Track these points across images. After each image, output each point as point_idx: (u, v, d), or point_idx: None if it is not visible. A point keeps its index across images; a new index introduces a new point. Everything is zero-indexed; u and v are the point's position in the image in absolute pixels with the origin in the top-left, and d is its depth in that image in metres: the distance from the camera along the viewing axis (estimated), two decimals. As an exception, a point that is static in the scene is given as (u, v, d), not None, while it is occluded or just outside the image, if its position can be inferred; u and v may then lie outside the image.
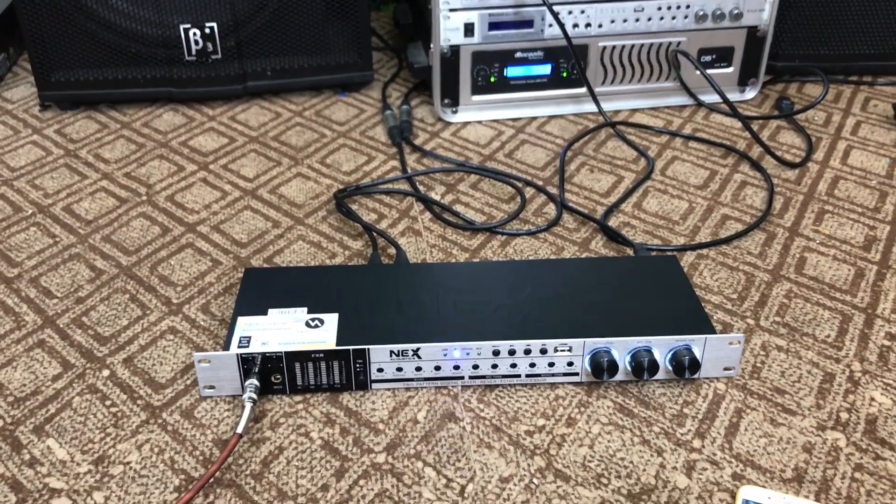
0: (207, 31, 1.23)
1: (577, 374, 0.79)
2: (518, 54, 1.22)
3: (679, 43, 1.24)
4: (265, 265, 0.95)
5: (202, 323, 0.87)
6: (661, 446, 0.73)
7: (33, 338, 0.85)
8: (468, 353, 0.77)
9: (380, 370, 0.77)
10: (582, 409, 0.77)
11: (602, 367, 0.76)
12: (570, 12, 1.18)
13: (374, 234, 0.99)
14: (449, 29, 1.17)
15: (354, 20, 1.27)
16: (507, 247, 0.98)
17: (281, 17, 1.24)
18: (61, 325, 0.87)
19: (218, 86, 1.27)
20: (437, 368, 0.78)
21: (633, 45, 1.23)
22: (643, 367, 0.76)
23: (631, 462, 0.72)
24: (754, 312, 0.88)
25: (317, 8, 1.24)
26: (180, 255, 0.97)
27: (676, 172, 1.12)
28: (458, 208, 1.05)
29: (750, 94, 1.31)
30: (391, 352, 0.76)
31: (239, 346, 0.76)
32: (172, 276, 0.94)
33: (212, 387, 0.77)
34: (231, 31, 1.23)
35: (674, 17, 1.21)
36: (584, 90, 1.26)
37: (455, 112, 1.25)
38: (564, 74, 1.25)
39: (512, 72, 1.23)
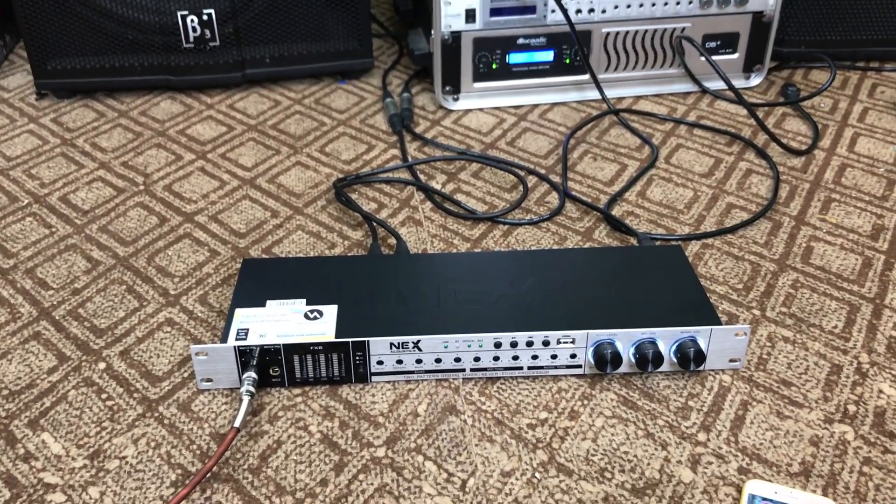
0: (205, 17, 1.21)
1: (580, 366, 0.77)
2: (520, 40, 1.20)
3: (683, 29, 1.22)
4: (264, 256, 0.94)
5: (200, 314, 0.86)
6: (665, 440, 0.72)
7: (28, 330, 0.84)
8: (469, 346, 0.75)
9: (380, 363, 0.76)
10: (585, 401, 0.75)
11: (605, 360, 0.75)
12: (572, -2, 1.17)
13: (374, 224, 0.97)
14: (450, 15, 1.15)
15: (354, 6, 1.25)
16: (510, 236, 0.97)
17: (280, 4, 1.22)
18: (57, 317, 0.86)
19: (216, 73, 1.26)
20: (438, 361, 0.76)
21: (636, 31, 1.21)
22: (647, 358, 0.75)
23: (635, 456, 0.70)
24: (760, 303, 0.86)
25: (316, -6, 1.23)
26: (178, 246, 0.96)
27: (681, 160, 1.11)
28: (460, 197, 1.04)
29: (755, 80, 1.29)
30: (391, 344, 0.75)
31: (236, 339, 0.75)
32: (170, 267, 0.92)
33: (209, 380, 0.76)
34: (229, 18, 1.22)
35: (678, 3, 1.19)
36: (587, 77, 1.24)
37: (456, 99, 1.23)
38: (567, 61, 1.23)
39: (514, 58, 1.21)
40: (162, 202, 1.03)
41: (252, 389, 0.73)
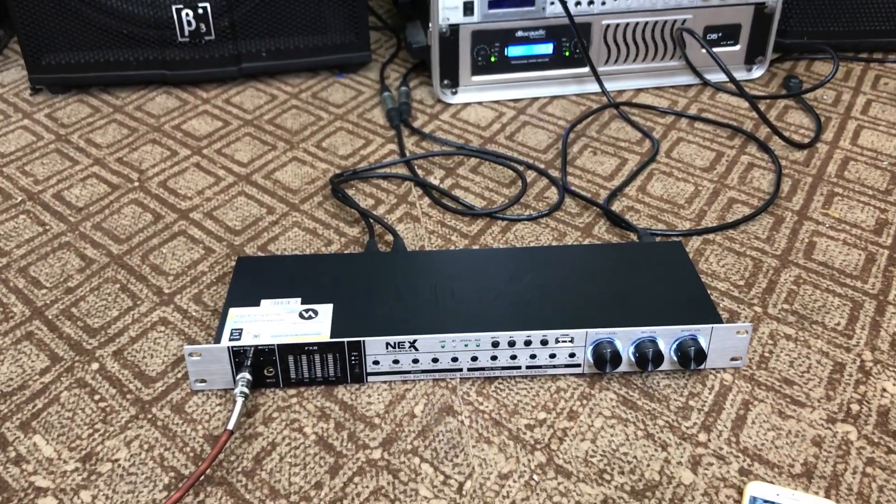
0: (200, 11, 1.19)
1: (579, 365, 0.76)
2: (519, 33, 1.18)
3: (684, 20, 1.20)
4: (259, 253, 0.93)
5: (194, 313, 0.85)
6: (665, 440, 0.71)
7: (21, 330, 0.83)
8: (466, 345, 0.74)
9: (376, 363, 0.75)
10: (584, 401, 0.74)
11: (605, 359, 0.74)
12: (572, -11, 1.15)
13: (371, 221, 0.96)
14: (448, 7, 1.14)
15: (351, -1, 1.24)
16: (508, 232, 0.96)
17: (275, -3, 1.21)
18: (50, 317, 0.85)
19: (212, 68, 1.24)
20: (435, 360, 0.75)
21: (637, 23, 1.19)
22: (647, 358, 0.74)
23: (634, 457, 0.69)
24: (762, 300, 0.85)
25: (312, -13, 1.22)
26: (172, 244, 0.95)
27: (682, 154, 1.09)
28: (458, 193, 1.02)
29: (757, 72, 1.28)
30: (387, 344, 0.74)
31: (230, 339, 0.74)
32: (164, 265, 0.91)
33: (203, 380, 0.75)
34: (225, 12, 1.20)
35: (679, -6, 1.18)
36: (586, 70, 1.23)
37: (455, 93, 1.22)
38: (567, 54, 1.21)
39: (513, 51, 1.20)
40: (157, 199, 1.02)
41: (246, 391, 0.72)
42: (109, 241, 0.95)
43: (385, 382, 0.76)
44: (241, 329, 0.75)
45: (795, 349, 0.79)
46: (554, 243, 0.94)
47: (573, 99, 1.23)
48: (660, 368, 0.76)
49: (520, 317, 0.76)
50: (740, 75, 1.27)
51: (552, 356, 0.75)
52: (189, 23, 1.20)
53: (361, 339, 0.73)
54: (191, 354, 0.73)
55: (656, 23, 1.20)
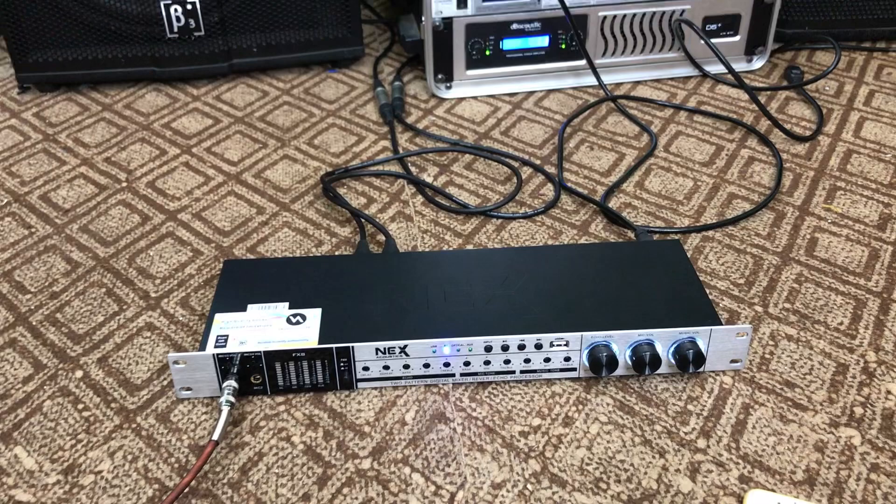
0: (189, 6, 1.17)
1: (574, 369, 0.74)
2: (514, 26, 1.16)
3: (683, 11, 1.18)
4: (248, 255, 0.91)
5: (181, 318, 0.83)
6: (663, 447, 0.69)
7: (4, 336, 0.81)
8: (458, 350, 0.72)
9: (365, 369, 0.73)
10: (580, 406, 0.72)
11: (601, 363, 0.72)
12: (567, -19, 1.13)
13: (363, 221, 0.94)
14: (441, 0, 1.12)
15: (343, -7, 1.21)
16: (503, 231, 0.94)
17: (265, -9, 1.19)
18: (34, 323, 0.83)
19: (202, 64, 1.22)
20: (427, 366, 0.73)
21: (634, 15, 1.17)
22: (644, 361, 0.72)
23: (631, 465, 0.67)
24: (762, 299, 0.83)
25: (303, -20, 1.19)
26: (160, 246, 0.93)
27: (681, 148, 1.07)
28: (452, 190, 1.00)
29: (757, 63, 1.25)
30: (377, 349, 0.72)
31: (216, 346, 0.72)
32: (151, 268, 0.89)
33: (188, 388, 0.73)
34: (214, 7, 1.18)
35: (677, -16, 1.15)
36: (583, 63, 1.20)
37: (449, 87, 1.20)
38: (563, 46, 1.19)
39: (508, 44, 1.17)
40: (145, 199, 1.00)
41: (232, 399, 0.70)
42: (96, 243, 0.93)
43: (375, 389, 0.74)
44: (227, 335, 0.73)
45: (797, 350, 0.77)
46: (549, 241, 0.92)
47: (570, 92, 1.21)
48: (657, 372, 0.74)
49: (514, 320, 0.74)
50: (740, 66, 1.24)
51: (547, 360, 0.73)
52: (178, 19, 1.18)
53: (350, 344, 0.72)
54: (175, 362, 0.71)
55: (654, 13, 1.17)
